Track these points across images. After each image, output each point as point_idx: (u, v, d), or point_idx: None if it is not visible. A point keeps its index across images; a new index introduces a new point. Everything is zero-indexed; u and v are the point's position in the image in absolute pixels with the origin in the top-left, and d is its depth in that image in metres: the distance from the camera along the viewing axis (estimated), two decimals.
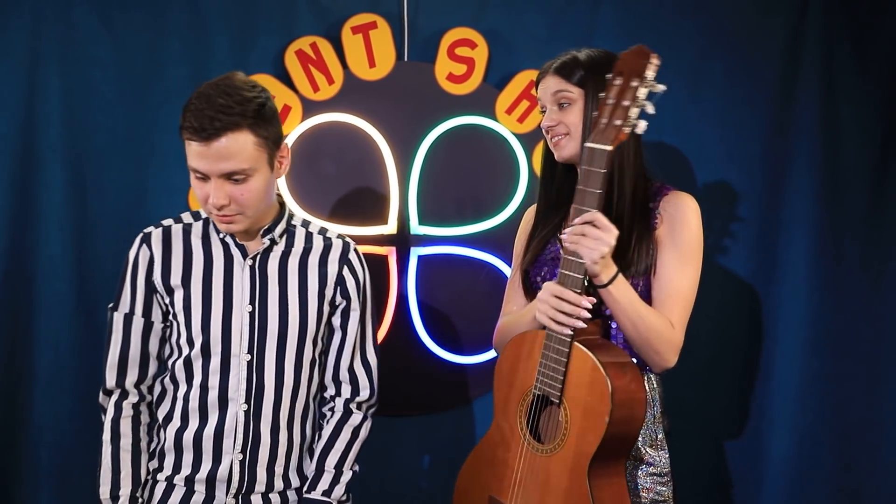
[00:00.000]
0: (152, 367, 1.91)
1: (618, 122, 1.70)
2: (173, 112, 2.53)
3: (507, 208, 2.68)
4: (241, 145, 1.71)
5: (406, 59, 2.67)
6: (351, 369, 1.96)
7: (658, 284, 1.87)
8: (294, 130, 2.59)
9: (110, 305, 1.91)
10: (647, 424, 1.89)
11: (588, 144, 1.73)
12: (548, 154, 2.01)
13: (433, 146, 2.65)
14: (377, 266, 2.59)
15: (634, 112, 1.69)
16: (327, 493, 1.90)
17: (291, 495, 1.92)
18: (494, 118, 2.68)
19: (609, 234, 1.72)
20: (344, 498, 1.92)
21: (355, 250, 1.97)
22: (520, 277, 2.06)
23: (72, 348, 2.52)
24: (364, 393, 1.96)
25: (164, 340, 1.91)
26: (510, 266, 2.64)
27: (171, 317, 1.89)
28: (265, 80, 2.57)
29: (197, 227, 1.90)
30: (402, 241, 2.66)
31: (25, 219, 2.50)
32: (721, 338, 2.70)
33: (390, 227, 2.65)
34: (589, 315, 1.74)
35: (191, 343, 1.85)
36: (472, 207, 2.69)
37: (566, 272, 1.75)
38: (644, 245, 1.87)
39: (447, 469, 2.70)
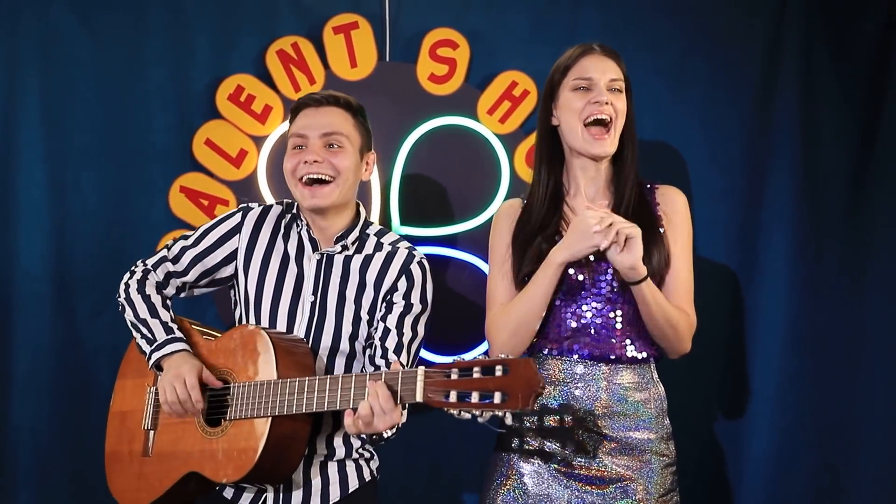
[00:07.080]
0: (179, 292, 2.06)
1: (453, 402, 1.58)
2: (153, 112, 2.56)
3: (488, 209, 2.67)
4: (342, 118, 1.96)
5: (388, 59, 2.67)
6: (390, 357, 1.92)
7: (669, 276, 1.97)
8: (275, 130, 2.59)
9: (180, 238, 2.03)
10: (659, 419, 2.02)
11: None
12: (555, 144, 2.02)
13: (415, 147, 2.65)
14: None
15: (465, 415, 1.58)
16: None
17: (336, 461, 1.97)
18: (476, 119, 2.68)
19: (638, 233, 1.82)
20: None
21: (419, 263, 1.99)
22: (512, 276, 2.00)
23: (50, 349, 2.52)
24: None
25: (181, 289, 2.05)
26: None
27: (233, 292, 2.04)
28: (246, 80, 2.57)
29: (287, 218, 2.03)
30: None
31: (4, 218, 2.50)
32: (701, 337, 2.66)
33: None
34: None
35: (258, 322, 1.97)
36: (454, 208, 2.69)
37: None
38: (659, 243, 1.95)
39: (427, 468, 2.72)
